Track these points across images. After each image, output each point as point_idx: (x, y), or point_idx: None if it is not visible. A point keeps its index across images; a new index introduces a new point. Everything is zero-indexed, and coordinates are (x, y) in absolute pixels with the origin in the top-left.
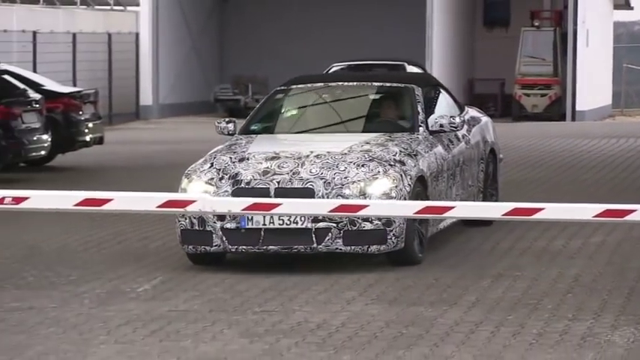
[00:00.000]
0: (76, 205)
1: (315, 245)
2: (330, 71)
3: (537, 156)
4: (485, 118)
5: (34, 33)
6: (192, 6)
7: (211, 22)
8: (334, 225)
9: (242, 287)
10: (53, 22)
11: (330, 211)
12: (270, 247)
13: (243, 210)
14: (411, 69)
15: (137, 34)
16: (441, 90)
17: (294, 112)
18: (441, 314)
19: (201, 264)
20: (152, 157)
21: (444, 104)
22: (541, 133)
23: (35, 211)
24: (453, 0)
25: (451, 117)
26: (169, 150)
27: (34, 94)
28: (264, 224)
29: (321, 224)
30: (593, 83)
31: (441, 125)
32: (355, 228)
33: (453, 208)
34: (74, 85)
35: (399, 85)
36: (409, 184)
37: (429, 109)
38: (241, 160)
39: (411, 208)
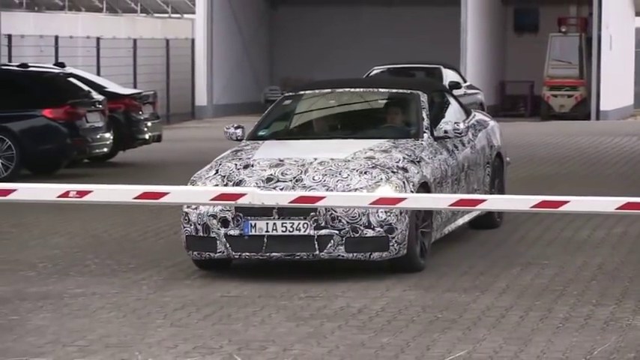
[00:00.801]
0: (136, 198)
1: (317, 252)
2: (371, 74)
3: (564, 152)
4: (492, 123)
5: (98, 39)
6: (244, 14)
7: (262, 28)
8: (336, 232)
9: (288, 275)
10: (115, 28)
11: (371, 204)
12: (273, 253)
13: (290, 203)
14: (447, 72)
15: (193, 40)
16: (448, 96)
17: (301, 118)
18: (473, 300)
19: (206, 270)
20: (206, 154)
21: (450, 110)
22: (568, 131)
23: (98, 204)
24: (485, 8)
25: (455, 123)
26: (222, 147)
27: (97, 96)
28: (267, 231)
29: (323, 231)
30: (616, 85)
31: (446, 131)
32: (357, 235)
33: (484, 200)
34: (134, 87)
35: (405, 91)
36: (412, 191)
37: (435, 115)
38: (246, 166)
39: (446, 200)
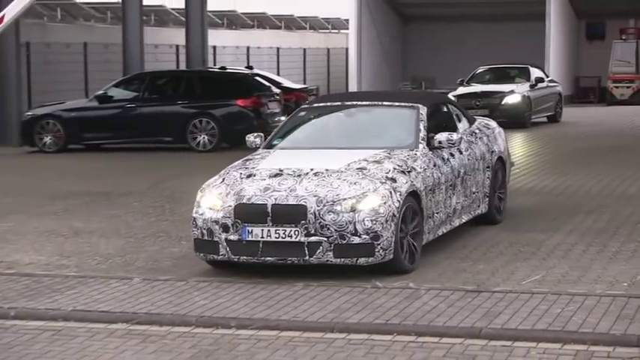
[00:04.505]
0: None
1: (307, 257)
2: (477, 72)
3: (622, 129)
4: (495, 130)
5: (278, 49)
6: (384, 28)
7: (397, 39)
8: (325, 239)
9: None
10: (290, 41)
11: None
12: (268, 258)
13: None
14: (534, 70)
15: (346, 49)
16: (451, 107)
17: (311, 128)
18: (547, 237)
19: (217, 268)
20: None
21: (450, 121)
22: (626, 114)
23: None
24: (564, 21)
25: (449, 134)
26: None
27: (275, 90)
28: (263, 237)
29: (313, 238)
30: None
31: (440, 142)
32: (345, 242)
33: None
34: (304, 83)
35: (407, 104)
36: (398, 200)
37: (434, 126)
38: (249, 176)
39: None
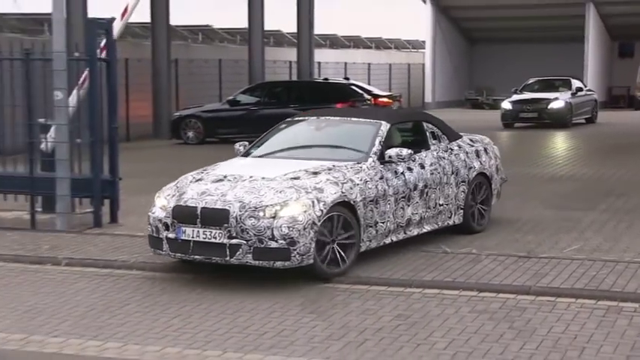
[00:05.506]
0: None
1: (228, 258)
2: (527, 83)
3: None
4: (482, 148)
5: (369, 64)
6: (454, 48)
7: (465, 57)
8: (245, 242)
9: None
10: (379, 58)
11: None
12: (196, 256)
13: None
14: (574, 81)
15: (423, 65)
16: (426, 125)
17: (282, 140)
18: (584, 215)
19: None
20: None
21: (422, 137)
22: None
23: None
24: (600, 42)
25: (400, 149)
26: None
27: (367, 96)
28: (193, 237)
29: (234, 241)
30: None
31: (390, 156)
32: (263, 246)
33: None
34: (389, 90)
35: (370, 120)
36: (320, 210)
37: (400, 142)
38: (197, 180)
39: None
